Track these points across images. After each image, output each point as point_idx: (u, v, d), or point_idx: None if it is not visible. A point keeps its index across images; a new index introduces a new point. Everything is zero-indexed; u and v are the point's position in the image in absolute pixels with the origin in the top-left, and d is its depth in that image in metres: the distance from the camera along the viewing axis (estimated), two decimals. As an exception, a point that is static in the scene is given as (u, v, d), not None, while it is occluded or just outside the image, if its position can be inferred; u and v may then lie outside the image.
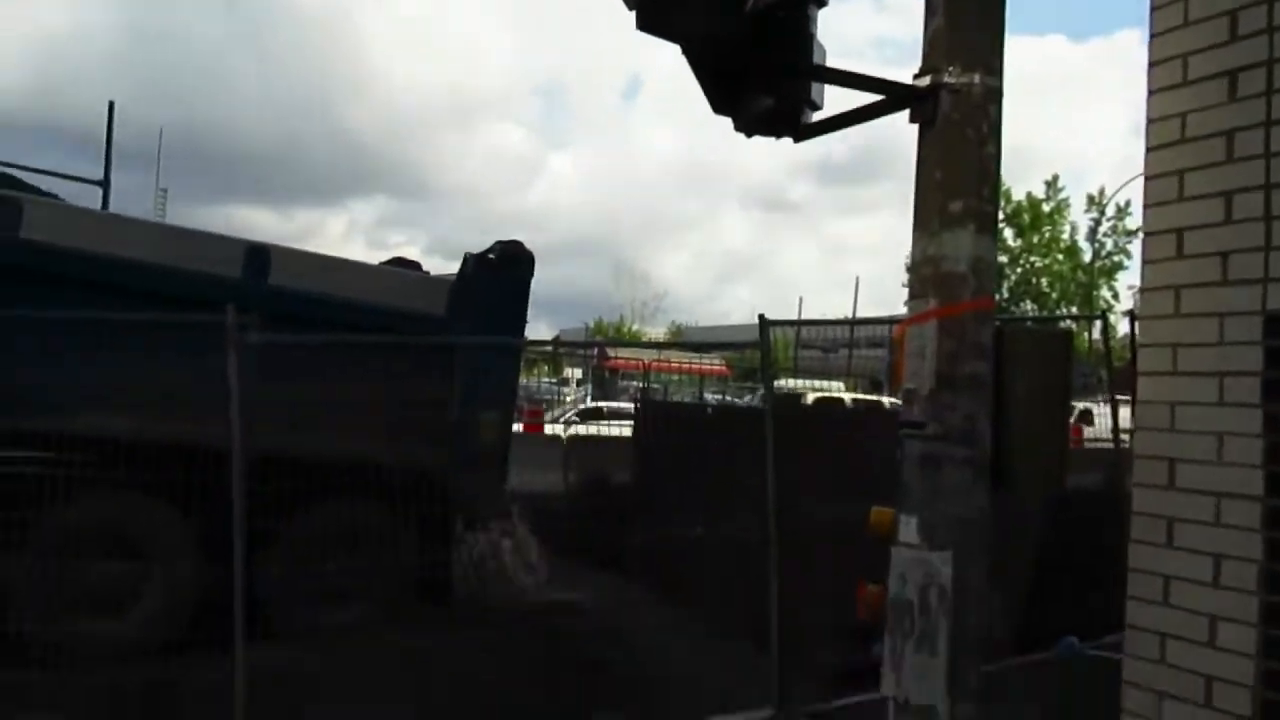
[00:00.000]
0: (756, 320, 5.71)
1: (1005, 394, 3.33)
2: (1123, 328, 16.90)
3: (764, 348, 5.66)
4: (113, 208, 15.80)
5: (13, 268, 5.89)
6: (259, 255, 6.54)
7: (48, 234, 6.04)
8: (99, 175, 18.91)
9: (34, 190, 6.69)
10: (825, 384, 23.24)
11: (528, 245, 7.38)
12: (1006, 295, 33.22)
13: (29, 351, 5.13)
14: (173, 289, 6.12)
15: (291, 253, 6.79)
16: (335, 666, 5.77)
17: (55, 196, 8.14)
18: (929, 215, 3.21)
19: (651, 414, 9.12)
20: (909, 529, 3.27)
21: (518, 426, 9.84)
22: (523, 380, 13.81)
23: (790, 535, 6.10)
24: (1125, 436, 7.88)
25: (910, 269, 3.34)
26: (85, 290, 5.93)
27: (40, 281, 5.91)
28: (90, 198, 16.86)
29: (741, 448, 6.66)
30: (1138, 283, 3.91)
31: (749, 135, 3.54)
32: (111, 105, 21.59)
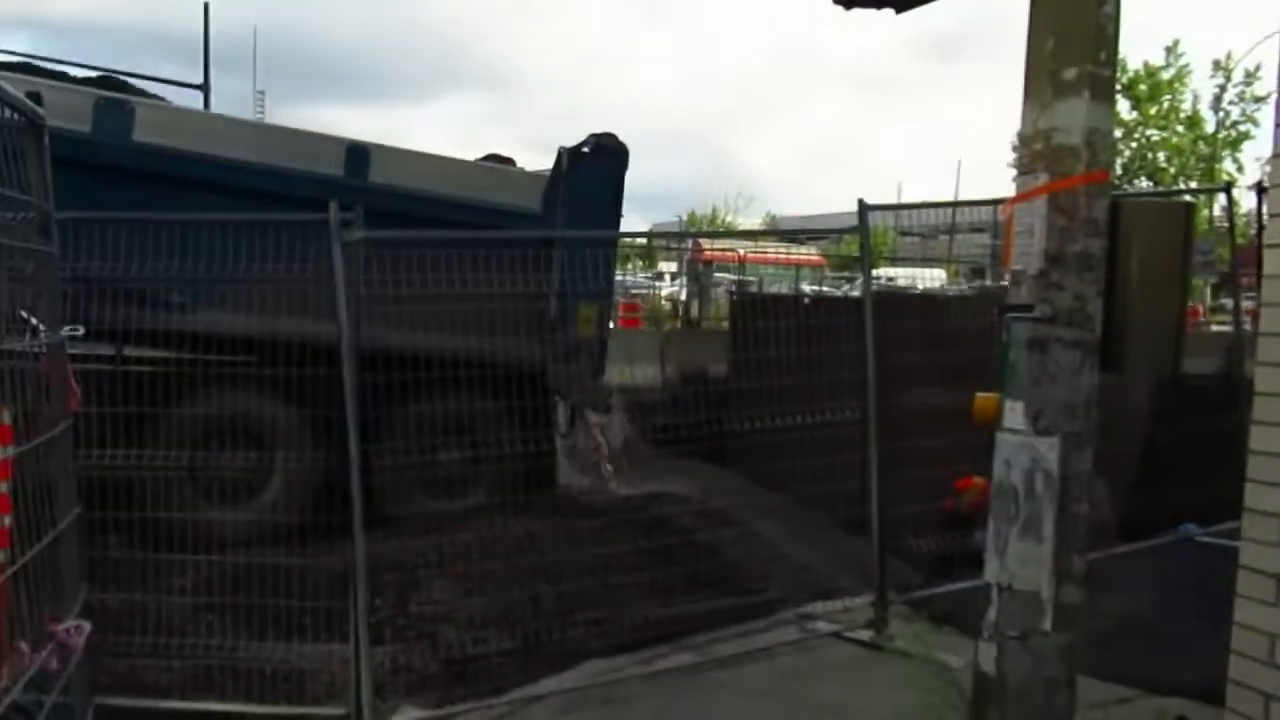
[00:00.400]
0: (854, 208, 5.57)
1: (1119, 272, 3.20)
2: (1248, 202, 15.98)
3: (863, 232, 5.52)
4: (213, 110, 16.09)
5: (126, 170, 6.09)
6: (360, 154, 6.64)
7: (158, 136, 6.22)
8: (198, 79, 19.26)
9: (142, 94, 6.87)
10: (925, 272, 22.71)
11: (622, 138, 7.32)
12: (1120, 172, 31.50)
13: (151, 253, 5.35)
14: (277, 188, 6.27)
15: (391, 150, 6.86)
16: (446, 552, 6.03)
17: (161, 99, 8.35)
18: (1040, 85, 3.05)
19: (747, 306, 9.07)
20: (1014, 414, 3.21)
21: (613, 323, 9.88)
22: (618, 275, 13.87)
23: (890, 424, 6.05)
24: (1246, 318, 7.52)
25: (1019, 144, 3.19)
26: (194, 191, 6.14)
27: (152, 183, 6.12)
28: (191, 102, 17.21)
29: (839, 338, 6.59)
30: (1266, 152, 3.66)
31: (848, 8, 3.39)
32: (206, 8, 21.86)
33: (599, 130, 7.32)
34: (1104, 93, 3.04)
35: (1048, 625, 3.15)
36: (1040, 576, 3.15)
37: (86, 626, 2.09)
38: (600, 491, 7.46)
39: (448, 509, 6.76)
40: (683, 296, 22.25)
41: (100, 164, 6.05)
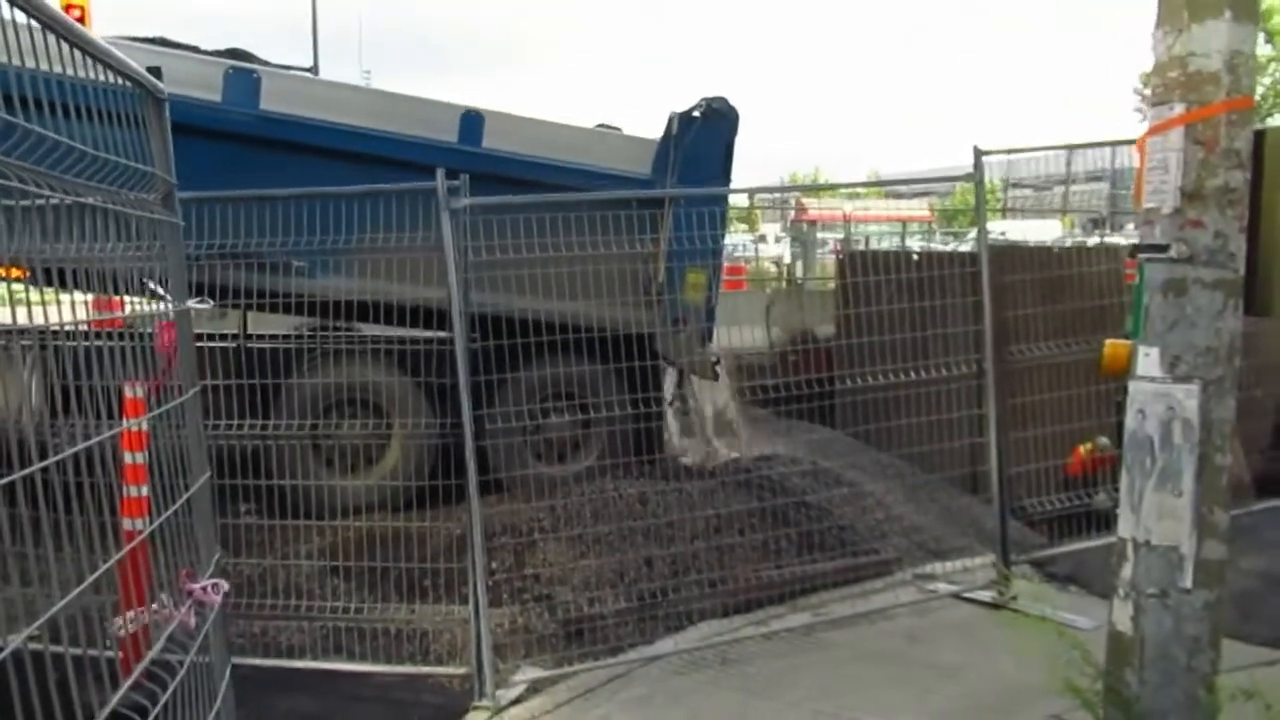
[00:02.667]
0: (960, 161, 5.39)
1: (1265, 206, 2.98)
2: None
3: (978, 178, 5.30)
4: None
5: (253, 137, 6.33)
6: (473, 120, 6.73)
7: (282, 104, 6.42)
8: (308, 63, 19.78)
9: (266, 64, 7.05)
10: (1037, 224, 21.84)
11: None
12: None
13: (270, 221, 5.56)
14: (394, 153, 6.44)
15: (504, 116, 6.93)
16: (559, 515, 6.09)
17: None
18: (1175, 6, 2.85)
19: (855, 263, 8.86)
20: (1149, 361, 3.04)
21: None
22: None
23: (1008, 381, 5.86)
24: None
25: (1152, 72, 2.99)
26: (316, 156, 6.36)
27: (277, 148, 6.35)
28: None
29: (952, 293, 6.39)
30: None
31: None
32: (314, -7, 22.44)
33: (710, 94, 7.25)
34: (1247, 11, 2.82)
35: (1188, 582, 2.99)
36: (1180, 531, 2.99)
37: (223, 585, 2.16)
38: (709, 455, 7.42)
39: (559, 472, 6.83)
40: (787, 258, 21.95)
41: (229, 130, 6.31)
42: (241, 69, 6.50)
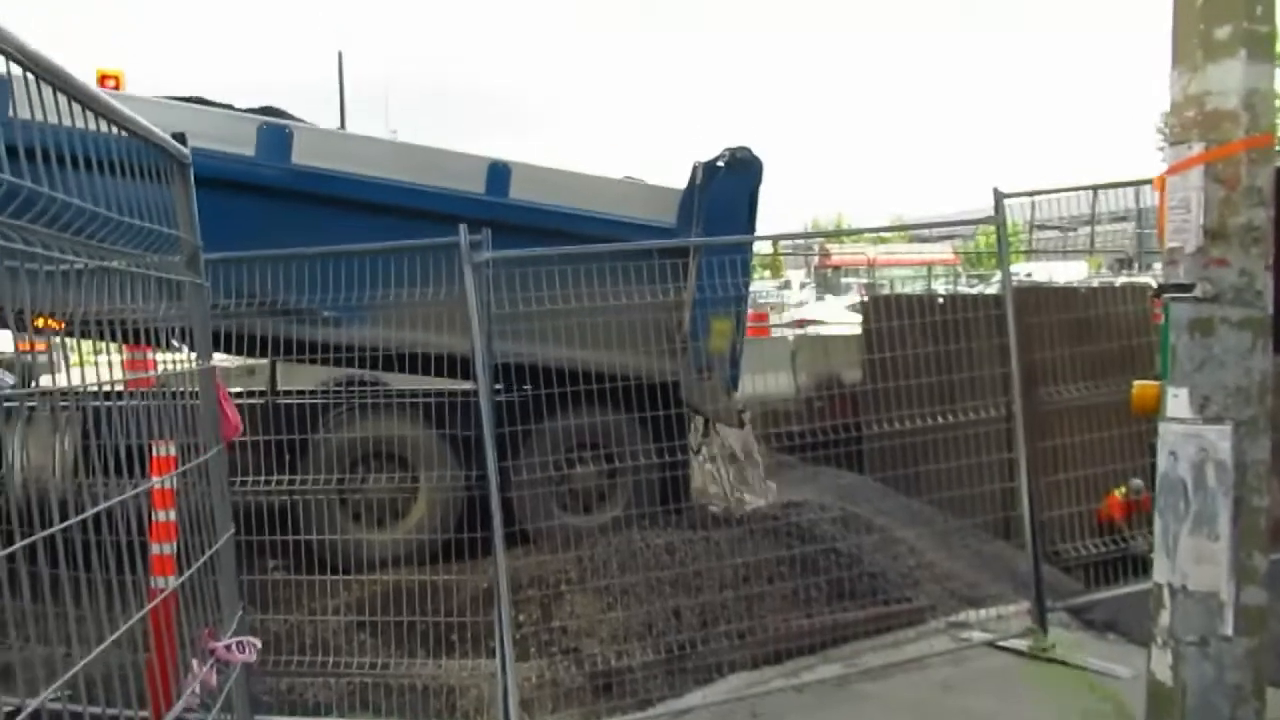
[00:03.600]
0: (983, 205, 5.37)
1: (1291, 243, 2.95)
2: None
3: (999, 220, 5.28)
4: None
5: (285, 189, 6.45)
6: (500, 172, 6.83)
7: (313, 158, 6.55)
8: (335, 123, 20.21)
9: (299, 121, 7.20)
10: (1063, 266, 21.69)
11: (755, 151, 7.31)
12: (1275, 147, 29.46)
13: (298, 274, 5.67)
14: (423, 205, 6.53)
15: (530, 168, 7.01)
16: (586, 566, 6.05)
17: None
18: (1190, 46, 2.85)
19: (880, 308, 8.84)
20: (1178, 402, 3.00)
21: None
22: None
23: (1038, 423, 5.79)
24: None
25: (1169, 112, 2.98)
26: (347, 208, 6.48)
27: (308, 200, 6.47)
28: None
29: (978, 336, 6.35)
30: None
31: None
32: (340, 55, 22.99)
33: (734, 144, 7.33)
34: (1263, 51, 2.81)
35: (1229, 629, 2.91)
36: (1218, 576, 2.92)
37: (254, 642, 2.15)
38: (736, 503, 7.36)
39: (585, 523, 6.80)
40: (811, 303, 21.92)
41: (262, 184, 6.44)
42: (274, 124, 6.63)
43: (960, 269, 25.81)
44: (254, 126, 6.56)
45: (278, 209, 6.39)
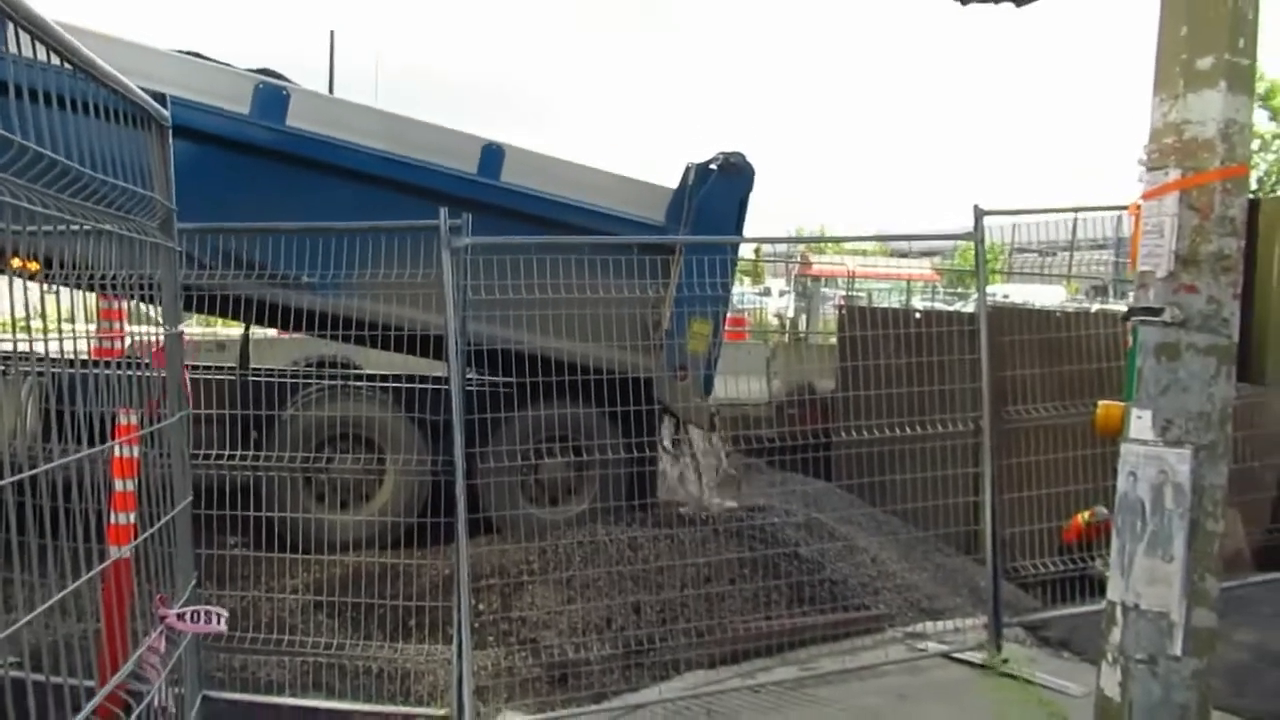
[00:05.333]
0: (965, 224, 5.42)
1: (1259, 274, 3.00)
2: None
3: (978, 237, 5.32)
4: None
5: (278, 151, 6.42)
6: (494, 153, 6.80)
7: (309, 122, 6.50)
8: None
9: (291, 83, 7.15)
10: (1041, 289, 21.91)
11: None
12: (1255, 186, 29.76)
13: (288, 245, 5.66)
14: (414, 179, 6.52)
15: (524, 152, 7.00)
16: (549, 558, 6.05)
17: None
18: (1171, 74, 2.89)
19: (855, 318, 8.89)
20: (1141, 424, 3.04)
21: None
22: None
23: (1005, 440, 5.84)
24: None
25: (1149, 139, 3.02)
26: (338, 176, 6.46)
27: (300, 164, 6.44)
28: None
29: (951, 351, 6.40)
30: None
31: (965, 3, 3.28)
32: (332, 35, 22.85)
33: (728, 149, 7.37)
34: (1242, 83, 2.86)
35: (1178, 649, 2.95)
36: (1170, 597, 2.96)
37: (219, 612, 2.14)
38: (702, 504, 7.38)
39: (552, 515, 6.80)
40: (790, 312, 21.99)
41: (255, 143, 6.40)
42: (271, 84, 6.57)
43: (938, 286, 25.98)
44: (250, 85, 6.50)
45: (268, 169, 6.37)
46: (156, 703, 2.01)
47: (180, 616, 2.04)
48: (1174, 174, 2.92)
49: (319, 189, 6.44)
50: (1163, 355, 2.97)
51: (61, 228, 1.79)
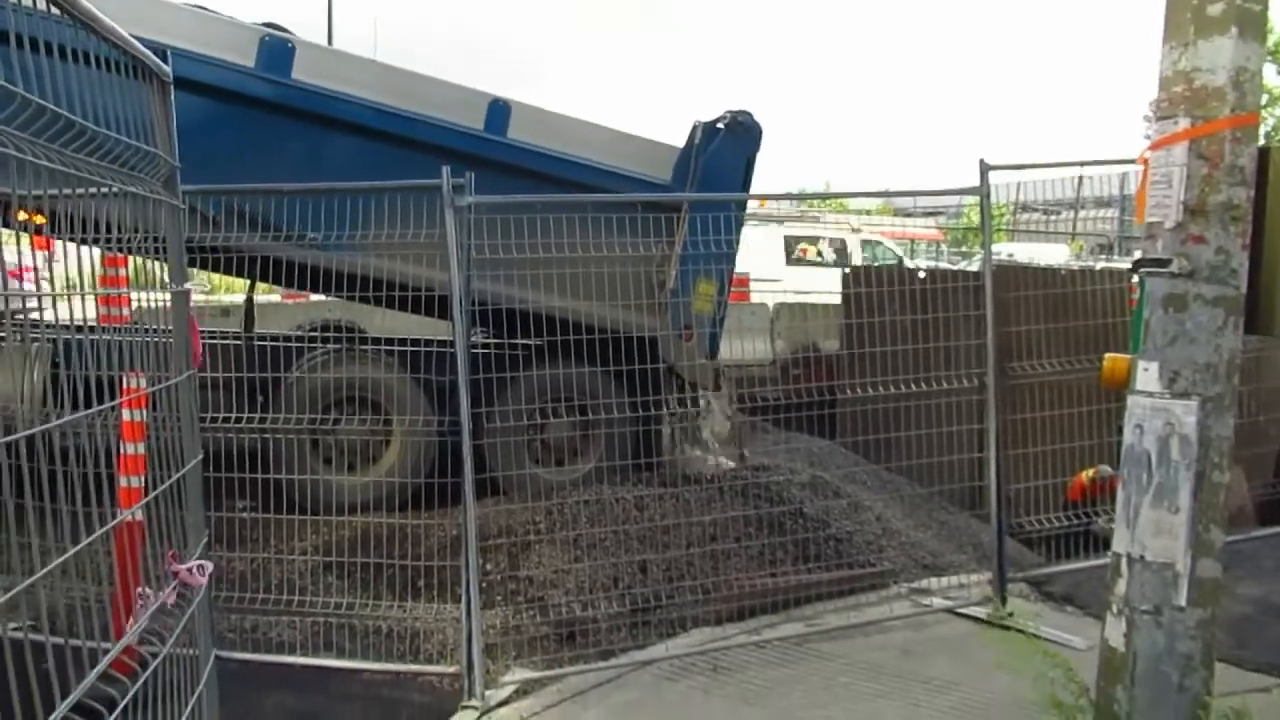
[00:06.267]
0: (969, 184, 5.38)
1: (1269, 224, 2.98)
2: None
3: (983, 191, 5.28)
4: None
5: (282, 105, 6.39)
6: (500, 110, 6.76)
7: (314, 75, 6.46)
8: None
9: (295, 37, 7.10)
10: (1045, 248, 21.79)
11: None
12: (1261, 140, 29.43)
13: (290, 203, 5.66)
14: (420, 135, 6.49)
15: (531, 109, 6.95)
16: (556, 517, 6.08)
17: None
18: (1182, 21, 2.85)
19: (860, 276, 8.87)
20: (1148, 376, 3.03)
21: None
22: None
23: (1009, 397, 5.84)
24: None
25: (1158, 87, 2.99)
26: (343, 130, 6.44)
27: (305, 118, 6.42)
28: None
29: (956, 308, 6.39)
30: None
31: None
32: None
33: (735, 108, 7.30)
34: (1253, 29, 2.82)
35: (1182, 600, 2.97)
36: (1175, 548, 2.97)
37: (209, 566, 2.15)
38: (708, 463, 7.41)
39: (558, 476, 6.83)
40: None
41: (259, 96, 6.37)
42: (276, 37, 6.51)
43: (942, 245, 25.87)
44: (256, 37, 6.45)
45: (272, 123, 6.34)
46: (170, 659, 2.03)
47: (190, 570, 2.05)
48: (1183, 123, 2.89)
49: (324, 143, 6.43)
50: (1170, 306, 2.96)
51: (71, 189, 1.78)
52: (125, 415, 4.31)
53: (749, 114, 7.24)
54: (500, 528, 6.06)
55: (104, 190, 1.99)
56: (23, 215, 1.56)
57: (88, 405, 1.93)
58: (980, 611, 5.47)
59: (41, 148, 1.57)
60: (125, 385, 3.13)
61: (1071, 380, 6.42)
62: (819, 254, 17.37)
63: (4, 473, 1.48)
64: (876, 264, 16.43)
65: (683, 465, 7.18)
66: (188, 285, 2.43)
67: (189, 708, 2.15)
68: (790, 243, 18.27)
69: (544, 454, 7.01)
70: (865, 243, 19.28)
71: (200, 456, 2.34)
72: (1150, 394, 3.01)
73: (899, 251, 20.16)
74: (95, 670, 1.63)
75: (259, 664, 4.95)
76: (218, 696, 2.47)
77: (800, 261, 17.72)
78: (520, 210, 5.19)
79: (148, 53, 2.17)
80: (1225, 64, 2.80)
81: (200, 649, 2.35)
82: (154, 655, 1.97)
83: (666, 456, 7.13)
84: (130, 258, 2.79)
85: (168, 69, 2.28)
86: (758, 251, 13.47)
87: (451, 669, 4.89)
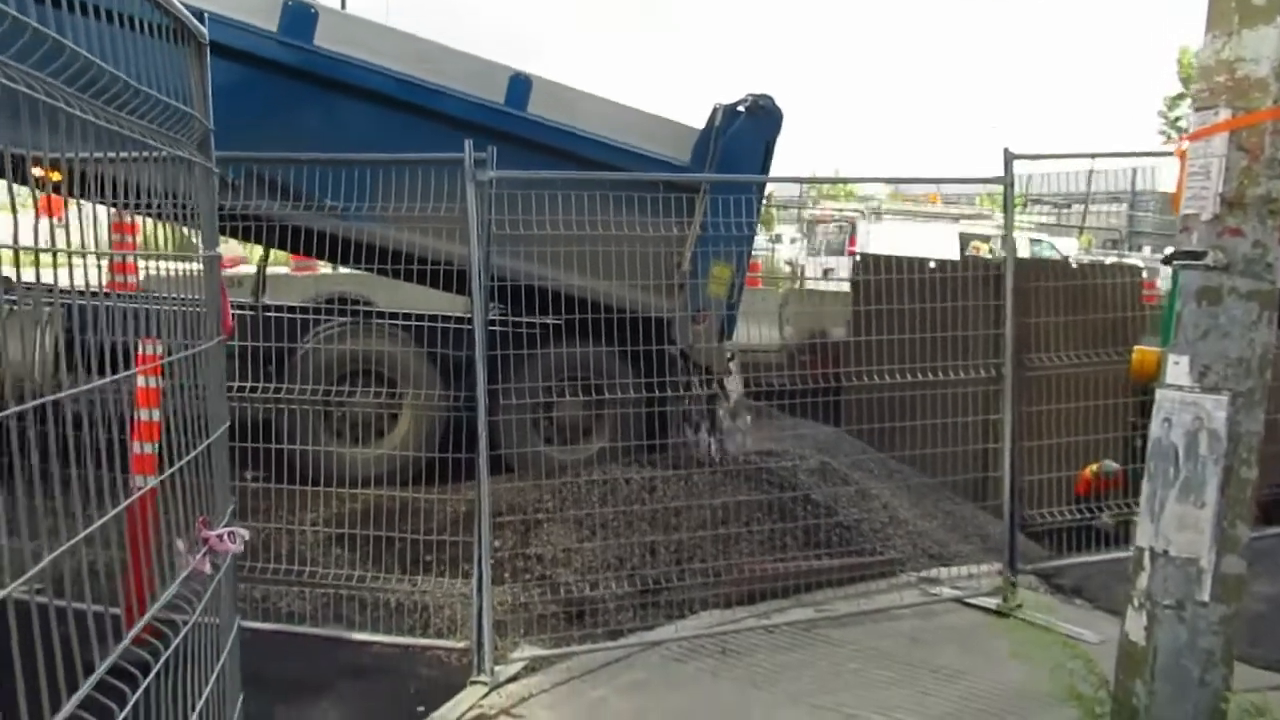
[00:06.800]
0: (980, 168, 5.36)
1: (1308, 219, 2.94)
2: None
3: (1008, 180, 5.23)
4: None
5: (304, 71, 6.34)
6: (521, 84, 6.72)
7: (337, 43, 6.41)
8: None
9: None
10: (1055, 241, 21.73)
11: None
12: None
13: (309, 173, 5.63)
14: (439, 106, 6.45)
15: (552, 85, 6.91)
16: (565, 496, 6.07)
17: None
18: (1226, 10, 2.81)
19: (872, 264, 8.84)
20: (1178, 369, 3.00)
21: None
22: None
23: (1024, 389, 5.82)
24: None
25: (1198, 76, 2.95)
26: (365, 99, 6.39)
27: (326, 85, 6.38)
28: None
29: (971, 297, 6.36)
30: None
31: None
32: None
33: (757, 91, 7.26)
34: (1300, 20, 2.78)
35: (1206, 596, 2.96)
36: (1200, 544, 2.96)
37: (242, 533, 2.14)
38: (717, 447, 7.40)
39: (569, 455, 6.82)
40: (802, 259, 21.85)
41: (281, 61, 6.31)
42: (300, 2, 6.46)
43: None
44: (279, 1, 6.41)
45: (293, 89, 6.30)
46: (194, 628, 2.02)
47: (219, 537, 2.04)
48: (1224, 114, 2.86)
49: (344, 112, 6.40)
50: (1204, 300, 2.93)
51: (115, 151, 1.75)
52: (140, 382, 4.29)
53: (770, 98, 7.21)
54: (510, 505, 6.05)
55: (148, 154, 1.96)
56: (38, 172, 1.51)
57: (102, 372, 1.91)
58: (990, 602, 5.47)
59: (88, 104, 1.55)
60: (140, 353, 3.12)
61: (1085, 373, 6.40)
62: (990, 251, 17.82)
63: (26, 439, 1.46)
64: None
65: (694, 448, 7.17)
66: (219, 250, 2.41)
67: (214, 675, 2.14)
68: (965, 239, 19.06)
69: (554, 433, 7.00)
70: (1033, 241, 19.74)
71: (227, 425, 2.33)
72: (1180, 388, 2.99)
73: (1061, 249, 20.48)
74: (132, 631, 1.62)
75: (268, 634, 4.94)
76: (239, 665, 2.46)
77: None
78: (540, 186, 5.15)
79: (187, 14, 2.14)
80: (1270, 54, 2.77)
81: (223, 618, 2.34)
82: (185, 622, 1.96)
83: (677, 439, 7.12)
84: (140, 224, 2.75)
85: (204, 30, 2.25)
86: (935, 248, 13.80)
87: (460, 644, 4.89)
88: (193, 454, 2.12)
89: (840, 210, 23.41)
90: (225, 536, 2.07)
